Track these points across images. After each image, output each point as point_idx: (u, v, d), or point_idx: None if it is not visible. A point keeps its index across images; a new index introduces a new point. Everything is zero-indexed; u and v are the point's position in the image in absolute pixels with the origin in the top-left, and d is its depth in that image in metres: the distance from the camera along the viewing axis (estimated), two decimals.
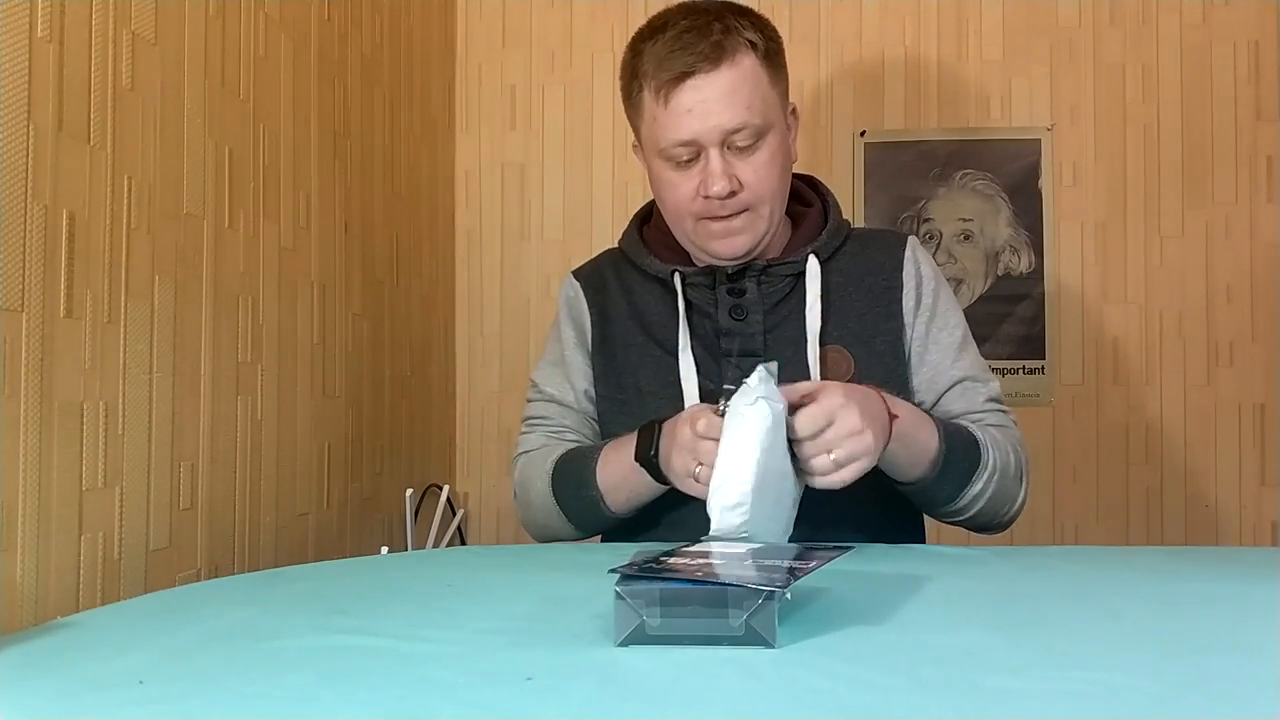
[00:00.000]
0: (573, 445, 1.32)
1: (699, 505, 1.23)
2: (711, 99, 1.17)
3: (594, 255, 1.44)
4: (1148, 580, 0.98)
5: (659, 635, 0.69)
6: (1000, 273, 2.15)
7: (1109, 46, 2.15)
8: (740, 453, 0.96)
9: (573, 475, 1.24)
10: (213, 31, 1.22)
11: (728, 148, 1.19)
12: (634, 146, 1.32)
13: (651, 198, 1.38)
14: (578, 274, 1.39)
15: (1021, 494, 1.27)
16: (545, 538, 1.33)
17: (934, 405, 1.28)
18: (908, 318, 1.29)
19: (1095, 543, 2.10)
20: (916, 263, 1.31)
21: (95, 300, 1.00)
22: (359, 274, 1.69)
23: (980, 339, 1.38)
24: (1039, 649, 0.71)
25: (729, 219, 1.21)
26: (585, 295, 1.36)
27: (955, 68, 2.17)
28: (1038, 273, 2.14)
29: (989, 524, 1.26)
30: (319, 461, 1.54)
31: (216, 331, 1.23)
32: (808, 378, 1.21)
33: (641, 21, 1.26)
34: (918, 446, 1.14)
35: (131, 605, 0.91)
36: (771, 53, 1.22)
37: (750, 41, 1.20)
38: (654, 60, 1.19)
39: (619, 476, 1.20)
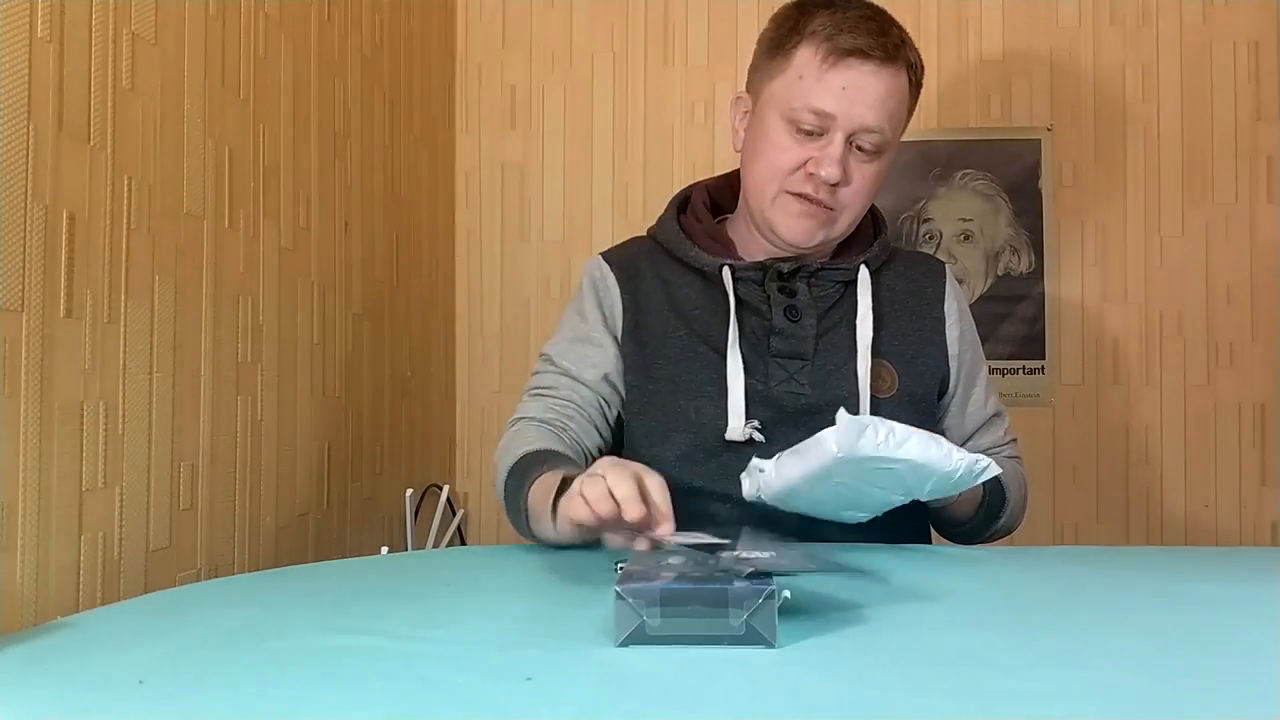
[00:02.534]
0: (571, 431, 1.23)
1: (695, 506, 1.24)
2: (869, 90, 1.18)
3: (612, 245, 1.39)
4: (1147, 580, 0.98)
5: (659, 635, 0.69)
6: (1000, 273, 2.15)
7: (1109, 46, 2.15)
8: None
9: (527, 465, 1.12)
10: (213, 31, 1.22)
11: (852, 142, 1.20)
12: (736, 99, 1.31)
13: (684, 187, 1.37)
14: (607, 256, 1.34)
15: (1022, 522, 1.34)
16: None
17: (971, 436, 1.34)
18: (952, 349, 1.31)
19: (1095, 543, 2.10)
20: (957, 297, 1.34)
21: (95, 300, 1.00)
22: (359, 274, 1.69)
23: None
24: (1039, 649, 0.71)
25: (816, 205, 1.21)
26: (617, 280, 1.30)
27: (955, 68, 2.17)
28: (1038, 273, 2.14)
29: (986, 543, 1.32)
30: (319, 461, 1.54)
31: (216, 331, 1.23)
32: (855, 387, 1.22)
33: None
34: (972, 494, 1.20)
35: (131, 605, 0.91)
36: (918, 85, 1.25)
37: (913, 64, 1.22)
38: (831, 23, 1.18)
39: (540, 498, 1.06)
